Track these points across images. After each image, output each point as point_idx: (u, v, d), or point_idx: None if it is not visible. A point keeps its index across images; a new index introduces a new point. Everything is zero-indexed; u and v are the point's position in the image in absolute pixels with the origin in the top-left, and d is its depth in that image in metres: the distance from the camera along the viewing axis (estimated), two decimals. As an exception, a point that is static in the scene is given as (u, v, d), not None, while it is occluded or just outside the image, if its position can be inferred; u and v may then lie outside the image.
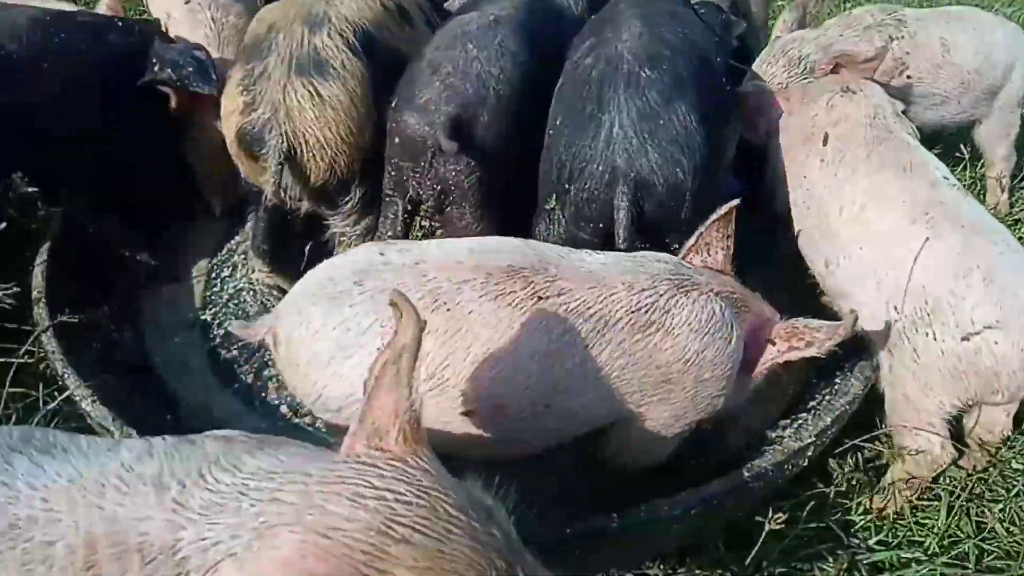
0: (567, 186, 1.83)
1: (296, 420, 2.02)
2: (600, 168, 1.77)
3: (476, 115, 1.87)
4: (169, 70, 2.18)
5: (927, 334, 1.82)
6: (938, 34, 2.59)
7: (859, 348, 1.97)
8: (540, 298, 1.45)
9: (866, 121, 2.10)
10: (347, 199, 2.06)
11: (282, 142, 1.86)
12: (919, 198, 1.91)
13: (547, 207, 1.90)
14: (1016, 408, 1.93)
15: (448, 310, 1.42)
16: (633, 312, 1.49)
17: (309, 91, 1.88)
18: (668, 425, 1.60)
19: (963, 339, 1.77)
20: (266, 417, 2.02)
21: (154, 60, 2.19)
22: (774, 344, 1.66)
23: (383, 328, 1.38)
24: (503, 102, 1.91)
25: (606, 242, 1.81)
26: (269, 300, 2.22)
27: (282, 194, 1.96)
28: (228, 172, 2.20)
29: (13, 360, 1.90)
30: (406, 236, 2.03)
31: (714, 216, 1.69)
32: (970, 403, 1.87)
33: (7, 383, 1.85)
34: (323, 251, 2.17)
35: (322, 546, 0.84)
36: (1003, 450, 1.98)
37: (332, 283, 1.47)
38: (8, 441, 1.00)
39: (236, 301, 2.27)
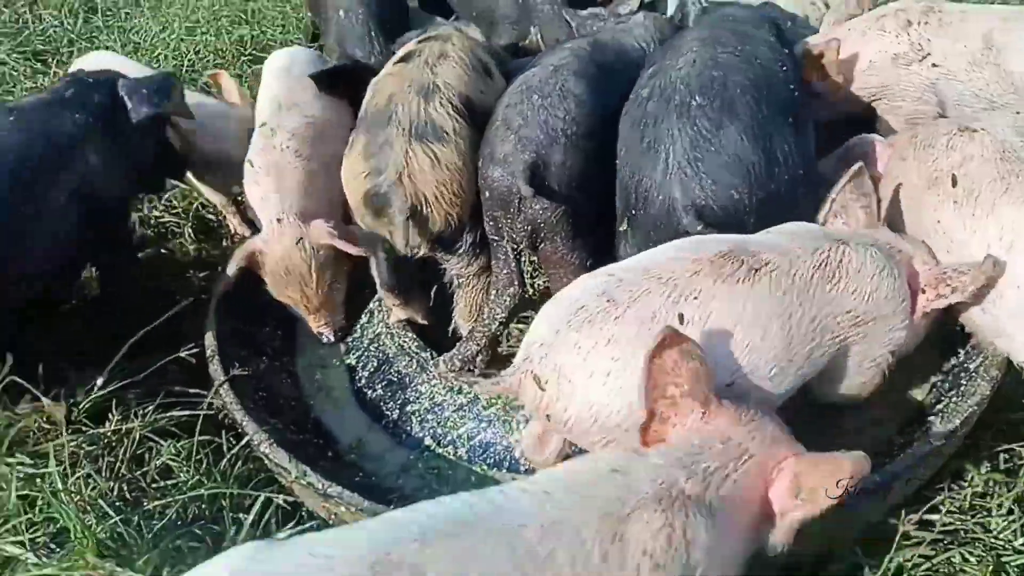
0: (634, 212, 2.00)
1: (440, 450, 2.22)
2: (660, 198, 1.92)
3: (550, 157, 2.07)
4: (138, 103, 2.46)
5: None
6: (981, 30, 2.37)
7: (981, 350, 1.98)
8: (756, 270, 1.66)
9: (995, 157, 1.98)
10: (460, 244, 2.28)
11: (407, 201, 2.10)
12: None
13: (621, 229, 2.08)
14: None
15: (695, 298, 1.62)
16: (817, 268, 1.71)
17: (428, 156, 2.12)
18: (866, 362, 1.82)
19: None
20: (413, 449, 2.23)
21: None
22: (924, 292, 1.80)
23: (649, 332, 1.50)
24: (573, 140, 2.10)
25: None
26: (405, 341, 2.44)
27: (407, 245, 2.22)
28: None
29: (199, 412, 2.19)
30: (520, 272, 2.24)
31: (843, 180, 1.83)
32: None
33: (196, 432, 2.16)
34: (445, 293, 2.43)
35: None
36: None
37: (583, 309, 1.63)
38: None
39: (376, 344, 2.50)
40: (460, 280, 2.36)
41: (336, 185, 2.38)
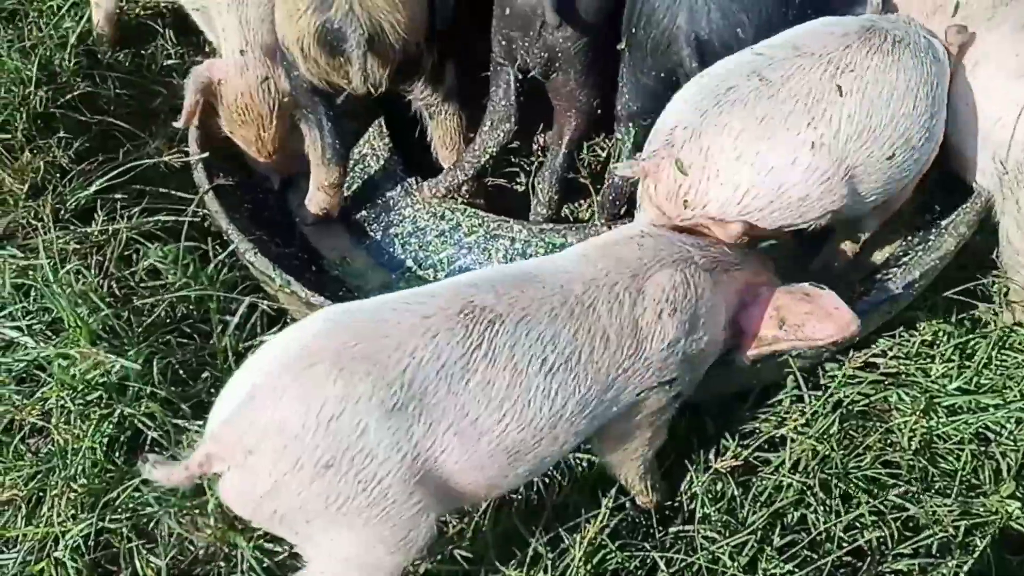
0: (634, 31, 1.93)
1: (420, 273, 2.28)
2: (665, 21, 1.85)
3: None
4: None
5: None
6: None
7: (955, 207, 2.02)
8: (898, 42, 1.76)
9: None
10: (421, 71, 2.17)
11: (363, 32, 1.95)
12: None
13: (619, 47, 2.01)
14: None
15: (852, 71, 1.70)
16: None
17: None
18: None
19: None
20: (395, 270, 2.29)
21: None
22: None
23: (806, 109, 1.66)
24: None
25: (671, 90, 1.90)
26: (390, 164, 2.43)
27: (366, 82, 2.05)
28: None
29: (184, 218, 2.22)
30: (518, 102, 2.18)
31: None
32: None
33: (182, 237, 2.20)
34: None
35: None
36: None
37: (732, 90, 1.69)
38: None
39: (362, 166, 2.49)
40: (430, 110, 2.27)
41: None
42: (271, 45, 2.23)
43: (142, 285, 2.15)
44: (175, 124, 2.32)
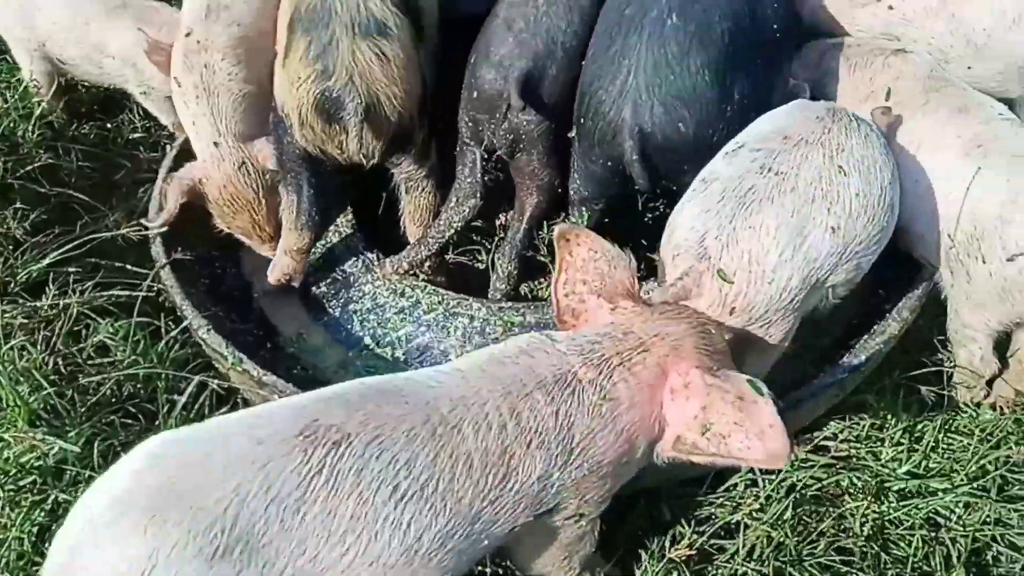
0: (583, 120, 1.99)
1: (378, 351, 2.26)
2: (611, 113, 1.91)
3: (546, 69, 2.03)
4: None
5: (977, 258, 1.97)
6: None
7: (901, 292, 2.09)
8: (858, 121, 1.87)
9: (924, 74, 2.17)
10: (411, 144, 2.22)
11: (361, 102, 2.01)
12: (972, 133, 2.01)
13: (571, 135, 2.09)
14: None
15: (843, 150, 1.77)
16: None
17: (375, 52, 2.02)
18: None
19: (1008, 260, 1.91)
20: (353, 347, 2.27)
21: None
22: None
23: (821, 193, 1.72)
24: (570, 53, 2.05)
25: (617, 177, 1.98)
26: (353, 240, 2.45)
27: (361, 151, 2.11)
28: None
29: (139, 293, 2.20)
30: (484, 183, 2.23)
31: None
32: (1015, 322, 2.04)
33: (135, 313, 2.17)
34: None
35: None
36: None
37: (752, 190, 1.70)
38: None
39: (323, 242, 2.49)
40: (409, 184, 2.32)
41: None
42: (245, 131, 2.27)
43: (90, 362, 2.11)
44: (148, 224, 2.32)
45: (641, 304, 1.57)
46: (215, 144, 2.26)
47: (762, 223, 1.67)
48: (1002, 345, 2.15)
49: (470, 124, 2.14)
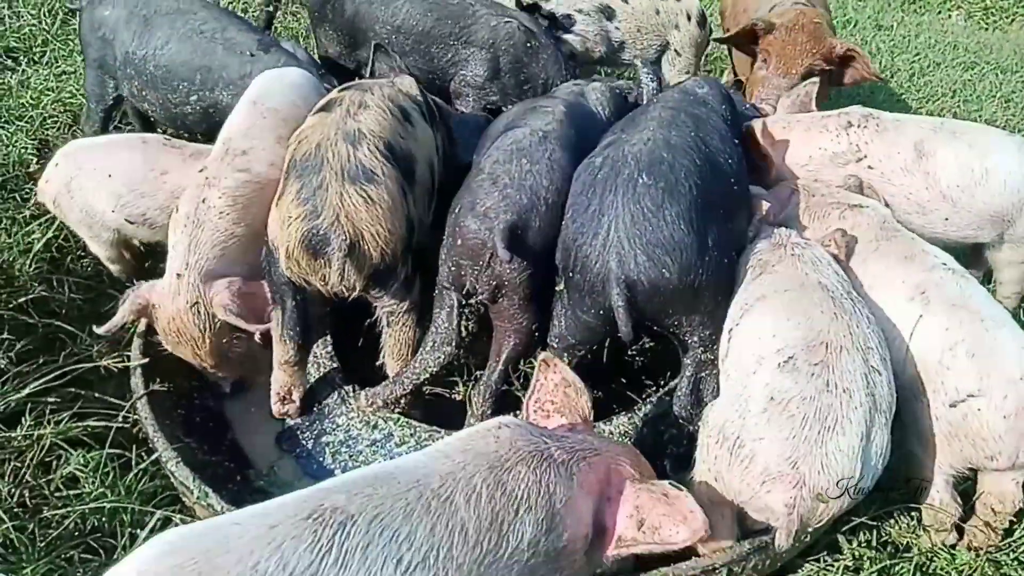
0: (571, 274, 2.09)
1: (348, 483, 2.26)
2: (597, 266, 2.01)
3: (529, 222, 2.14)
4: None
5: (922, 401, 2.04)
6: (913, 138, 2.56)
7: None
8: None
9: (877, 224, 2.33)
10: (393, 280, 2.31)
11: (346, 240, 2.15)
12: (916, 280, 2.13)
13: (558, 289, 2.18)
14: None
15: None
16: None
17: (361, 196, 2.17)
18: None
19: (951, 406, 1.98)
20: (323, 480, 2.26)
21: None
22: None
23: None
24: (552, 208, 2.18)
25: (607, 325, 2.06)
26: (330, 372, 2.50)
27: (342, 283, 2.23)
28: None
29: (113, 424, 2.22)
30: (460, 331, 2.32)
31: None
32: (969, 467, 2.05)
33: (107, 444, 2.18)
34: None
35: None
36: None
37: (834, 415, 1.80)
38: None
39: (301, 373, 2.55)
40: (391, 318, 2.40)
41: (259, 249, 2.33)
42: (213, 271, 2.31)
43: (57, 494, 2.09)
44: (97, 330, 2.35)
45: (591, 427, 1.83)
46: (178, 275, 2.28)
47: (848, 445, 1.77)
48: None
49: (452, 269, 2.23)
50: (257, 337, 2.40)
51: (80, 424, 2.27)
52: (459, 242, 2.18)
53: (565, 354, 2.20)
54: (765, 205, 2.34)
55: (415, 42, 3.13)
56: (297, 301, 2.32)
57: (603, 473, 1.64)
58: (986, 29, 6.79)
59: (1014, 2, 7.13)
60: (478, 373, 2.50)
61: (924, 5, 7.11)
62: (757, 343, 1.92)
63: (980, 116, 4.78)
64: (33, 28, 4.24)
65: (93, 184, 2.65)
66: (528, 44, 3.05)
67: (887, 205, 2.52)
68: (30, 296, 2.67)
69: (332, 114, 2.29)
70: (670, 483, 1.67)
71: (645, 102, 2.74)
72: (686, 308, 2.06)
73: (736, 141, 2.46)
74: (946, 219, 2.56)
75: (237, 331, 2.35)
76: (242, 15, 4.36)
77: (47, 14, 4.38)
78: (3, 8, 4.36)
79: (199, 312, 2.28)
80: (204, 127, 3.06)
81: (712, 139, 2.26)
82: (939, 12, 7.03)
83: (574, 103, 2.57)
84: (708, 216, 2.06)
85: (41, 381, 2.37)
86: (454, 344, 2.30)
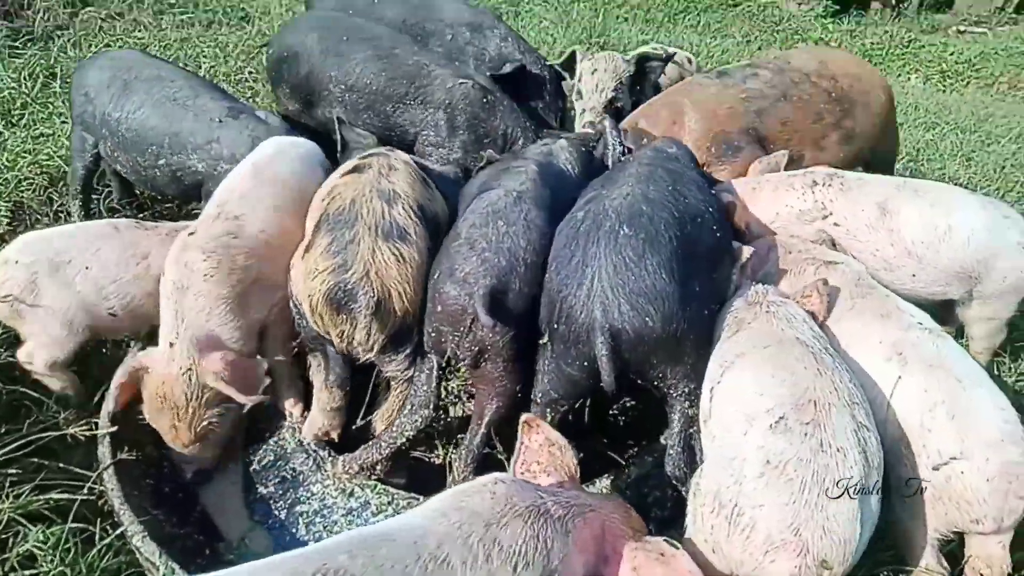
0: (556, 326, 2.07)
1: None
2: (582, 316, 2.00)
3: (509, 284, 2.12)
4: None
5: (905, 464, 2.01)
6: (877, 197, 2.60)
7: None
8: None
9: (852, 282, 2.33)
10: (408, 344, 2.29)
11: (373, 296, 2.13)
12: (892, 339, 2.12)
13: (541, 342, 2.15)
14: (1010, 539, 1.99)
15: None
16: None
17: (394, 254, 2.17)
18: None
19: (934, 469, 1.95)
20: (296, 552, 2.18)
21: None
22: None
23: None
24: (531, 268, 2.16)
25: (592, 378, 2.04)
26: (298, 430, 2.44)
27: (367, 340, 2.21)
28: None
29: (78, 497, 2.13)
30: (438, 395, 2.29)
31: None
32: (955, 530, 2.00)
33: (69, 518, 2.09)
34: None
35: None
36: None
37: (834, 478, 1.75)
38: None
39: (276, 439, 2.49)
40: (394, 382, 2.38)
41: (253, 313, 2.33)
42: (202, 336, 2.25)
43: (12, 574, 1.98)
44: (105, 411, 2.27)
45: (578, 485, 1.84)
46: (170, 344, 2.24)
47: (848, 507, 1.73)
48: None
49: (433, 335, 2.21)
50: (245, 410, 2.32)
51: (42, 497, 2.17)
52: (439, 308, 2.16)
53: (548, 409, 2.18)
54: (747, 252, 2.36)
55: (369, 101, 3.19)
56: (333, 347, 2.29)
57: (598, 529, 1.64)
58: (943, 91, 7.08)
59: (967, 67, 7.47)
60: (459, 436, 2.46)
61: (885, 69, 7.42)
62: (743, 402, 1.89)
63: (943, 174, 4.93)
64: (13, 91, 4.24)
65: (66, 279, 2.46)
66: (484, 100, 3.13)
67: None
68: (-2, 362, 2.59)
69: (365, 175, 2.32)
70: (665, 540, 1.66)
71: (611, 157, 2.84)
72: (670, 358, 2.05)
73: (712, 192, 2.50)
74: (913, 275, 2.59)
75: (221, 409, 2.27)
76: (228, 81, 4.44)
77: (27, 77, 4.39)
78: (-14, 72, 4.37)
79: (190, 380, 2.21)
80: (174, 189, 3.09)
81: (690, 190, 2.29)
82: (899, 75, 7.34)
83: (544, 162, 2.59)
84: (689, 267, 2.08)
85: (2, 452, 2.28)
86: (431, 407, 2.26)
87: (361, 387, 2.48)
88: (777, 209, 2.72)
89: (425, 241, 2.26)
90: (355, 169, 2.38)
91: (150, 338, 2.48)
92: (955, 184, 3.68)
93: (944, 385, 2.00)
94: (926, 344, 2.09)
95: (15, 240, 2.59)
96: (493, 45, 3.64)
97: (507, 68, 3.46)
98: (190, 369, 2.22)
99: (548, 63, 3.65)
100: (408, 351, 2.29)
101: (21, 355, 2.50)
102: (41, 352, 2.48)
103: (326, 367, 2.36)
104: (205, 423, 2.26)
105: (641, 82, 3.51)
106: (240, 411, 2.30)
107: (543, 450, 1.82)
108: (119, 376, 2.26)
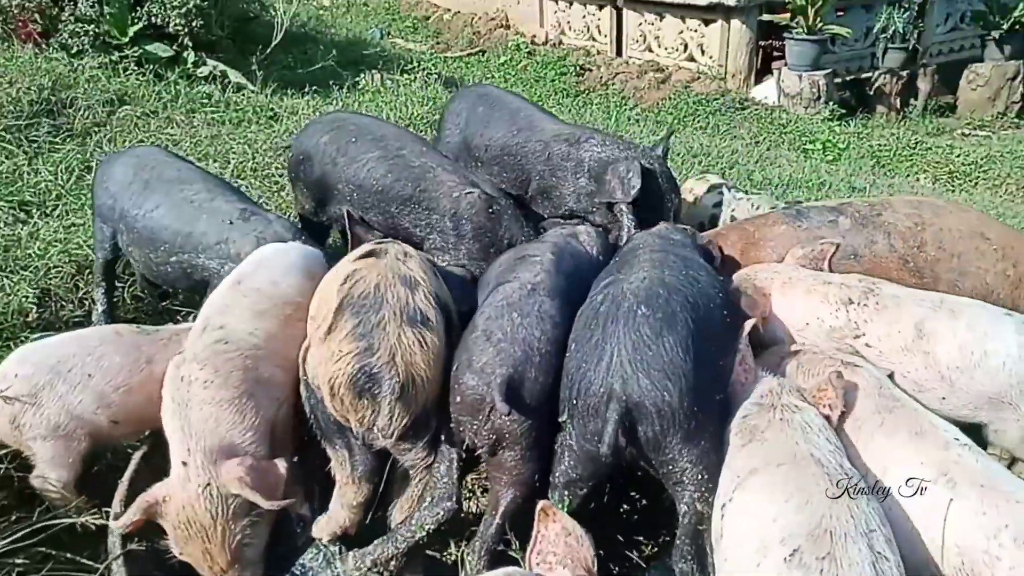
0: (575, 402, 2.10)
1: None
2: (601, 389, 2.04)
3: (525, 373, 2.16)
4: None
5: None
6: (913, 317, 2.48)
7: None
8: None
9: (874, 392, 2.24)
10: (427, 432, 2.28)
11: (399, 380, 2.12)
12: (934, 459, 2.01)
13: (560, 419, 2.17)
14: None
15: None
16: None
17: (419, 339, 2.18)
18: None
19: None
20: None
21: None
22: None
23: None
24: (547, 357, 2.20)
25: (614, 455, 2.03)
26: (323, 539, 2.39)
27: (391, 427, 2.16)
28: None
29: (85, 588, 2.08)
30: (460, 481, 2.28)
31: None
32: None
33: (74, 611, 2.03)
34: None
35: None
36: None
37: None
38: None
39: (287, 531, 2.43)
40: (412, 471, 2.35)
41: (262, 413, 2.29)
42: (215, 446, 2.18)
43: (12, 671, 1.92)
44: (112, 525, 2.17)
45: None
46: (183, 463, 2.14)
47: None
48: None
49: (452, 426, 2.23)
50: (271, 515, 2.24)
51: (47, 587, 2.13)
52: (459, 399, 2.20)
53: (567, 492, 2.18)
54: (748, 325, 2.34)
55: (376, 200, 3.25)
56: (355, 437, 2.25)
57: None
58: (952, 191, 7.20)
59: (975, 168, 7.63)
60: (472, 529, 2.40)
61: (892, 169, 7.59)
62: (757, 527, 1.84)
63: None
64: (49, 183, 4.42)
65: (68, 388, 2.44)
66: (490, 210, 3.13)
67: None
68: (6, 449, 2.57)
69: (384, 259, 2.34)
70: None
71: (625, 240, 2.93)
72: (685, 438, 2.05)
73: (721, 279, 2.53)
74: (943, 399, 2.46)
75: (251, 519, 2.17)
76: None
77: (64, 171, 4.59)
78: (24, 164, 4.58)
79: (211, 496, 2.10)
80: (184, 284, 3.14)
81: (701, 275, 2.35)
82: (907, 175, 7.49)
83: (563, 246, 2.66)
84: (702, 348, 2.12)
85: (9, 540, 2.24)
86: (454, 499, 2.24)
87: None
88: (807, 319, 2.60)
89: (442, 326, 2.28)
90: (371, 253, 2.41)
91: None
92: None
93: (1002, 507, 1.88)
94: (970, 462, 1.99)
95: (13, 353, 2.58)
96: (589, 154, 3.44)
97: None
98: (208, 484, 2.11)
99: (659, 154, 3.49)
100: (427, 439, 2.28)
101: (35, 482, 2.46)
102: (51, 475, 2.45)
103: (351, 460, 2.33)
104: (238, 538, 2.15)
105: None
106: (271, 518, 2.22)
107: (560, 540, 1.79)
108: (135, 508, 2.09)
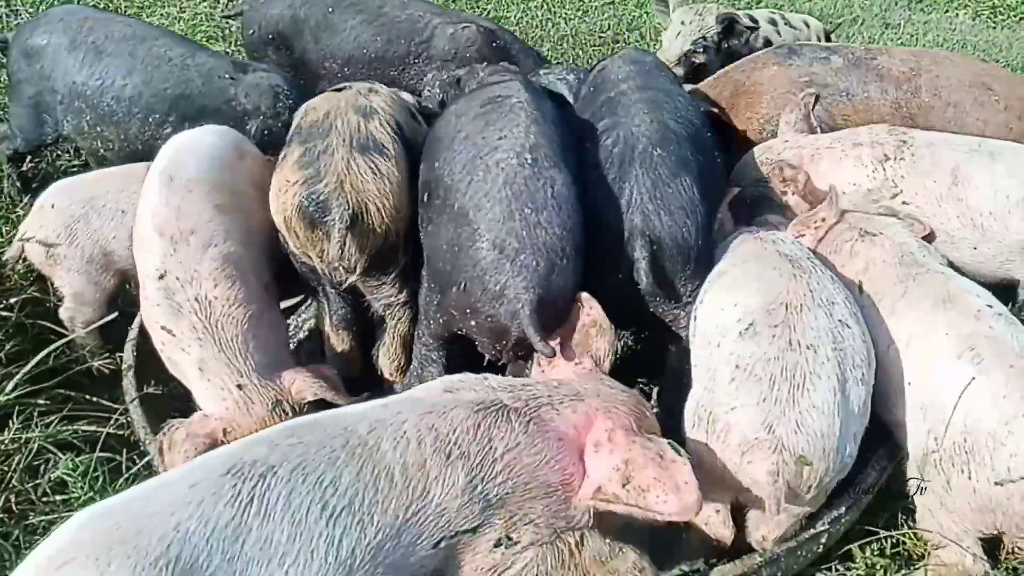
0: (593, 243, 2.06)
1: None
2: (621, 226, 2.03)
3: (552, 289, 1.85)
4: None
5: (962, 471, 1.81)
6: (950, 163, 2.35)
7: (881, 439, 2.03)
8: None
9: (894, 261, 2.11)
10: (394, 267, 2.19)
11: (348, 209, 2.00)
12: (963, 331, 1.87)
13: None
14: None
15: None
16: None
17: (370, 167, 2.06)
18: None
19: (996, 483, 1.76)
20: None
21: None
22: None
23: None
24: (572, 257, 1.90)
25: (628, 287, 2.04)
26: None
27: (342, 260, 2.05)
28: None
29: (104, 429, 2.16)
30: None
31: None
32: (998, 532, 1.87)
33: (98, 448, 2.12)
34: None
35: None
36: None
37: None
38: None
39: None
40: (389, 311, 2.26)
41: (277, 316, 2.15)
42: (266, 362, 1.99)
43: (44, 499, 2.03)
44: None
45: (598, 369, 1.79)
46: (239, 387, 1.95)
47: (822, 400, 1.69)
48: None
49: (471, 340, 2.00)
50: None
51: (70, 427, 2.21)
52: (473, 323, 1.92)
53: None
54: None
55: (370, 70, 2.99)
56: (335, 286, 2.21)
57: (580, 420, 1.58)
58: (994, 28, 6.71)
59: (1021, 1, 7.06)
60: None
61: (931, 3, 7.04)
62: (719, 315, 1.90)
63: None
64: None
65: (102, 222, 2.45)
66: (493, 43, 2.92)
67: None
68: (21, 296, 2.60)
69: (342, 92, 2.23)
70: (670, 443, 1.55)
71: (592, 81, 2.61)
72: (694, 275, 2.08)
73: (697, 104, 2.55)
74: (975, 248, 2.34)
75: None
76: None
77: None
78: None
79: (285, 410, 1.95)
80: None
81: (692, 113, 2.34)
82: (946, 11, 6.96)
83: (533, 87, 2.36)
84: (708, 190, 2.16)
85: (30, 382, 2.31)
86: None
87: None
88: (842, 188, 2.40)
89: (404, 160, 2.15)
90: (336, 90, 2.29)
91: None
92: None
93: None
94: (1003, 336, 1.84)
95: (50, 186, 2.58)
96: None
97: None
98: (278, 401, 1.96)
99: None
100: (394, 275, 2.19)
101: (64, 316, 2.52)
102: (78, 311, 2.51)
103: (328, 308, 2.28)
104: None
105: (730, 43, 3.34)
106: None
107: (583, 330, 1.85)
108: (185, 454, 1.85)
